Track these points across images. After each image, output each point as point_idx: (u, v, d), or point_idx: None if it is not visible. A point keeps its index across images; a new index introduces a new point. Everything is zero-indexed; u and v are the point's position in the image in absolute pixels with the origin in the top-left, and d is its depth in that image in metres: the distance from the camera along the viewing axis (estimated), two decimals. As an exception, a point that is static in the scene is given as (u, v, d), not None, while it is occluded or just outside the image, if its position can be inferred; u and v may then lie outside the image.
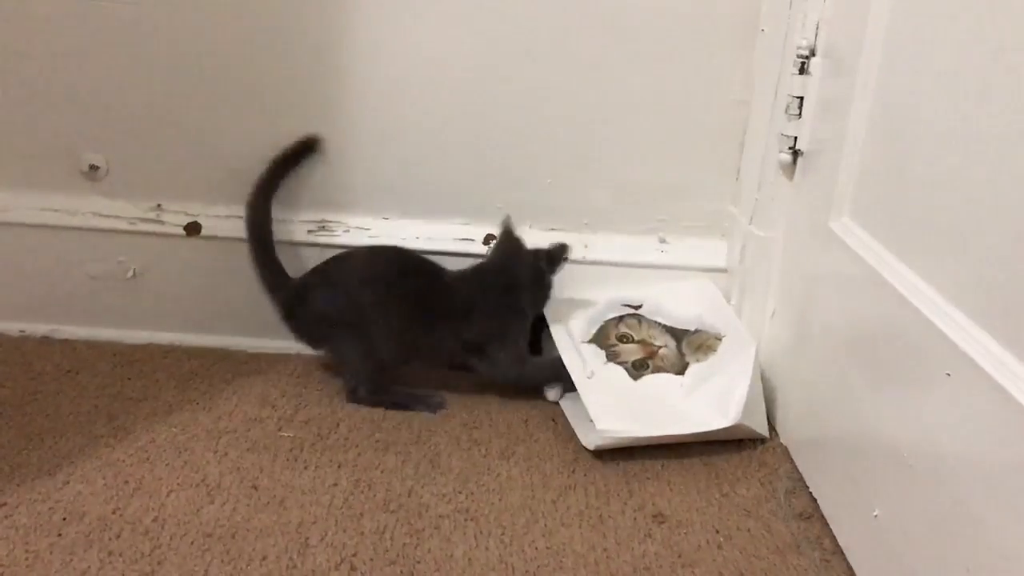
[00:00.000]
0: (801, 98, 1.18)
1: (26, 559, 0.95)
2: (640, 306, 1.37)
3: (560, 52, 1.31)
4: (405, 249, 1.32)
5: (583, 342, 1.32)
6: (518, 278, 1.29)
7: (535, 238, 1.38)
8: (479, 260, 1.33)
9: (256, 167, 1.34)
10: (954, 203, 0.86)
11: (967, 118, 0.85)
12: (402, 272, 1.28)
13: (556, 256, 1.31)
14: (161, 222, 1.36)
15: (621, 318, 1.35)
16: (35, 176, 1.35)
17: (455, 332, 1.27)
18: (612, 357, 1.29)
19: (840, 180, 1.08)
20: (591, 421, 1.18)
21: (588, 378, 1.24)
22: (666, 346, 1.31)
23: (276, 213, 1.35)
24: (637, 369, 1.28)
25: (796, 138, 1.20)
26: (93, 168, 1.35)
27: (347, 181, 1.37)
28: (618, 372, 1.27)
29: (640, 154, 1.37)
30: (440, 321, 1.27)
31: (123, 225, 1.36)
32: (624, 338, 1.32)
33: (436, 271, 1.30)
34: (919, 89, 0.94)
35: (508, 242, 1.32)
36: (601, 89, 1.33)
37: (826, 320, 1.13)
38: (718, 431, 1.18)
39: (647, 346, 1.30)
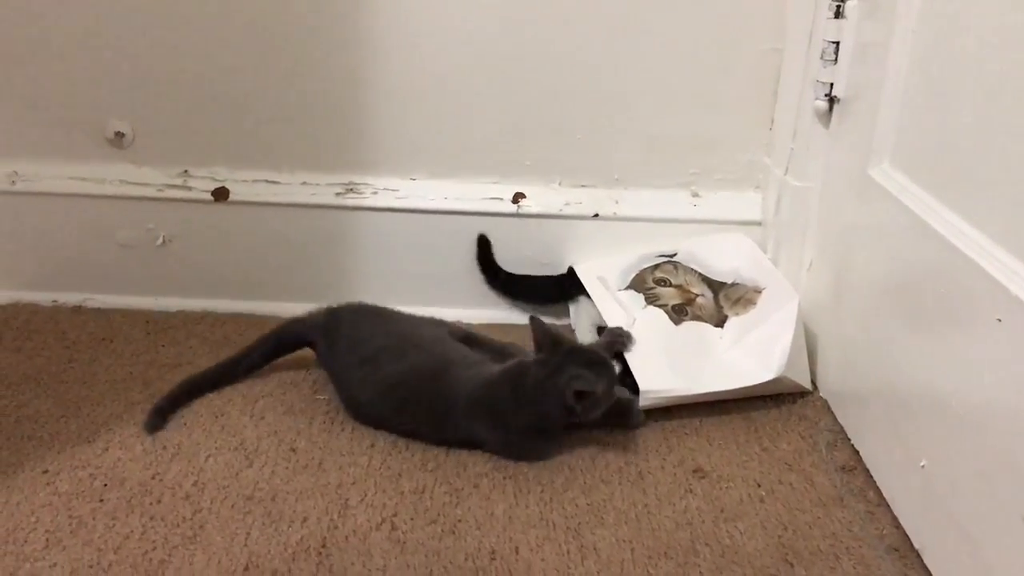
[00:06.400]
0: (837, 43, 1.15)
1: (70, 525, 0.96)
2: (675, 254, 1.35)
3: (586, 3, 1.28)
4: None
5: (620, 290, 1.30)
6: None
7: (564, 195, 1.36)
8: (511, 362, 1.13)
9: (282, 129, 1.33)
10: (1002, 144, 0.83)
11: (1014, 56, 0.82)
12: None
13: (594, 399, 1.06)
14: (189, 188, 1.36)
15: (657, 265, 1.32)
16: (61, 145, 1.35)
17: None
18: (651, 300, 1.26)
19: (879, 125, 1.05)
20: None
21: (631, 326, 1.21)
22: (703, 295, 1.28)
23: (303, 177, 1.35)
24: (678, 314, 1.25)
25: (832, 84, 1.17)
26: (119, 135, 1.34)
27: (374, 142, 1.35)
28: (659, 315, 1.24)
29: (670, 106, 1.34)
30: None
31: (151, 192, 1.35)
32: (662, 282, 1.29)
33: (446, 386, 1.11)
34: (961, 28, 0.91)
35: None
36: (629, 40, 1.30)
37: (866, 270, 1.10)
38: (762, 385, 1.17)
39: (685, 292, 1.28)
